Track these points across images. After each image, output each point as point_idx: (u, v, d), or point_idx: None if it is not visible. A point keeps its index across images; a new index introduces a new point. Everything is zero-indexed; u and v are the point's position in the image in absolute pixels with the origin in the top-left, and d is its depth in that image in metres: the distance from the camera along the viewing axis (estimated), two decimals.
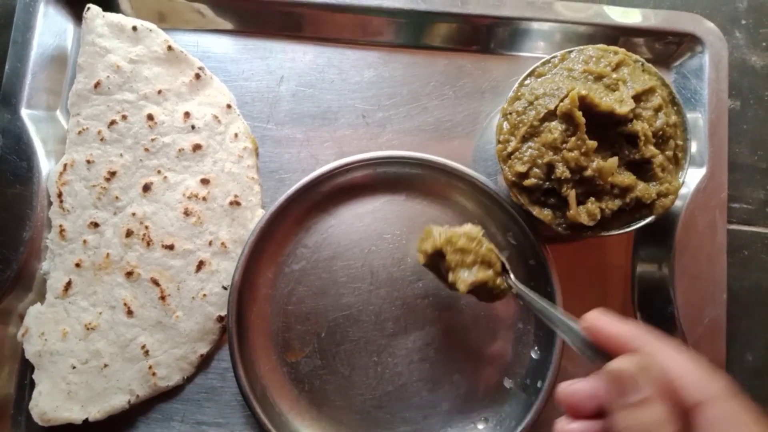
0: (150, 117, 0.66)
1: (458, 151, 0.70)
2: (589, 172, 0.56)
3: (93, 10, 0.67)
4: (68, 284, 0.63)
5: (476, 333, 0.66)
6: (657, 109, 0.58)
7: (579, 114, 0.56)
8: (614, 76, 0.59)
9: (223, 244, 0.66)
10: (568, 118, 0.56)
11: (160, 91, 0.67)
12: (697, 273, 0.66)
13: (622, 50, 0.61)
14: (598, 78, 0.59)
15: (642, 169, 0.58)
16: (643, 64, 0.61)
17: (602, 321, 0.44)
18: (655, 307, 0.68)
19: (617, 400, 0.39)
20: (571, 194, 0.56)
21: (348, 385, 0.65)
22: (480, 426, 0.64)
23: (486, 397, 0.65)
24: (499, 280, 0.58)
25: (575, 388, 0.43)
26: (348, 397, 0.65)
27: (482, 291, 0.58)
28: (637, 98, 0.58)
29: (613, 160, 0.56)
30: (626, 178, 0.57)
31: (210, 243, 0.66)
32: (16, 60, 0.67)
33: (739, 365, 0.69)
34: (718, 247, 0.67)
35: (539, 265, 0.64)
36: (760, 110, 0.74)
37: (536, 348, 0.65)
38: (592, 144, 0.56)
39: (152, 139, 0.66)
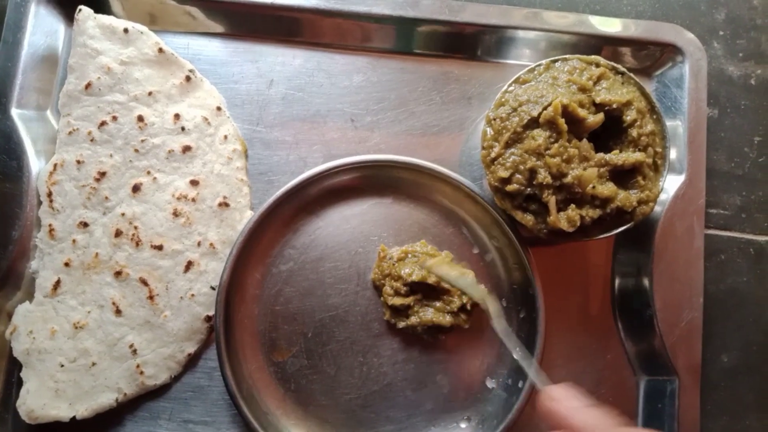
0: (140, 118, 0.67)
1: (445, 155, 0.71)
2: (569, 179, 0.57)
3: (85, 12, 0.67)
4: (57, 283, 0.64)
5: (459, 334, 0.67)
6: (630, 124, 0.60)
7: (562, 121, 0.57)
8: (594, 90, 0.60)
9: (211, 244, 0.67)
10: (551, 125, 0.58)
11: (150, 93, 0.68)
12: (675, 277, 0.68)
13: (604, 62, 0.62)
14: (582, 89, 0.61)
15: (623, 176, 0.60)
16: (623, 75, 0.62)
17: (559, 405, 0.49)
18: (633, 310, 0.69)
19: None
20: (552, 200, 0.57)
21: (334, 384, 0.66)
22: (463, 425, 0.66)
23: (469, 396, 0.66)
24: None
25: None
26: (334, 396, 0.66)
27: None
28: None
29: (593, 171, 0.58)
30: (606, 189, 0.58)
31: (199, 244, 0.66)
32: (7, 59, 0.67)
33: (715, 366, 0.71)
34: (695, 251, 0.69)
35: (522, 267, 0.66)
36: (737, 118, 0.76)
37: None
38: (574, 151, 0.57)
39: (142, 140, 0.67)
